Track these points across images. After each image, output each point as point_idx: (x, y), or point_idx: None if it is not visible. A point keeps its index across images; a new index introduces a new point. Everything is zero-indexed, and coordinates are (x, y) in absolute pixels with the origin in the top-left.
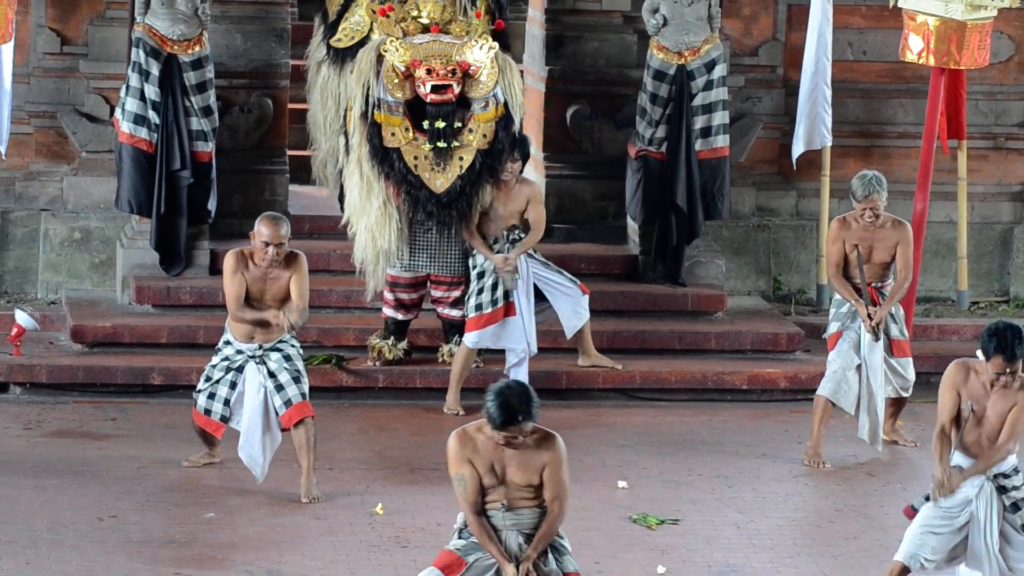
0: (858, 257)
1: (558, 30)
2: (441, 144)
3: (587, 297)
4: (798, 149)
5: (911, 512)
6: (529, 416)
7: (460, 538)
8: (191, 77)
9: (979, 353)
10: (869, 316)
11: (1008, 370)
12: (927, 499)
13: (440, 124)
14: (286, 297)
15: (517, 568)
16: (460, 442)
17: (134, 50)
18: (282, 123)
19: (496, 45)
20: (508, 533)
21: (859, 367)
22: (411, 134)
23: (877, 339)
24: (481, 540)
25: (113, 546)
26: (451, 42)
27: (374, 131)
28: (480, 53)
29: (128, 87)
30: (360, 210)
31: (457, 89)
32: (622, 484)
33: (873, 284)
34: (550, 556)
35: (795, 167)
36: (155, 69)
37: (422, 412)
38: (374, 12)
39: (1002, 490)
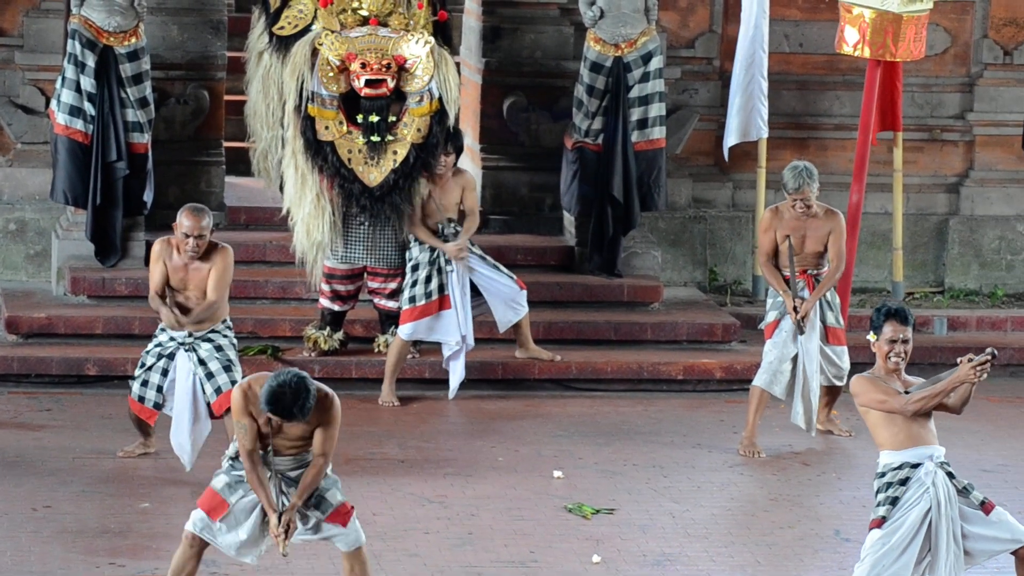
0: (789, 248)
1: (495, 22)
2: (375, 138)
3: (524, 292)
4: (730, 141)
5: (880, 522)
6: (294, 418)
7: (227, 472)
8: (127, 68)
9: (870, 336)
10: (795, 309)
11: (902, 337)
12: (892, 503)
13: (374, 118)
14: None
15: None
16: (243, 397)
17: (70, 41)
18: (218, 115)
19: (432, 40)
20: (271, 477)
21: (795, 357)
22: (345, 127)
23: (802, 332)
24: (253, 485)
25: (48, 536)
26: (387, 36)
27: (308, 124)
28: (416, 47)
29: (64, 78)
30: (296, 202)
31: (392, 83)
32: (557, 474)
33: (808, 271)
34: (309, 511)
35: (727, 159)
36: (91, 60)
37: (357, 403)
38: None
39: (950, 476)
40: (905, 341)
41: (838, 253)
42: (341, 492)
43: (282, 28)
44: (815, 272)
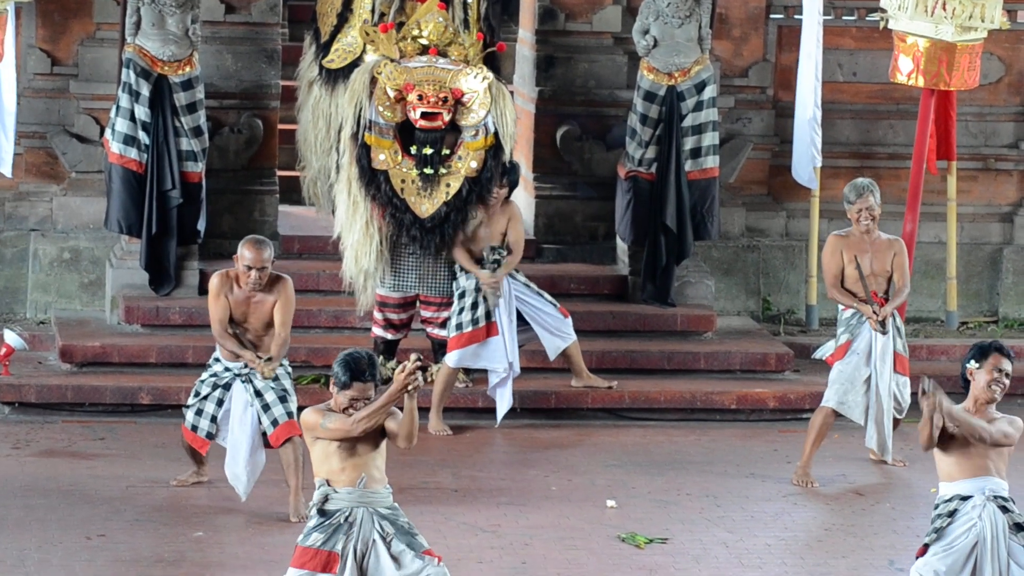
0: (858, 267)
1: (548, 51)
2: (428, 170)
3: (569, 320)
4: (805, 170)
5: (923, 551)
6: (372, 378)
7: (319, 528)
8: (181, 98)
9: (972, 364)
10: (874, 313)
11: (1006, 370)
12: (936, 533)
13: (428, 150)
14: (270, 321)
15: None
16: (315, 413)
17: (124, 71)
18: (272, 144)
19: (491, 76)
20: (363, 512)
21: (867, 380)
22: (400, 157)
23: (886, 332)
24: (383, 406)
25: (102, 565)
26: (446, 68)
27: (363, 152)
28: (474, 82)
29: (118, 107)
30: (347, 228)
31: (447, 117)
32: (611, 503)
33: (879, 295)
34: (400, 540)
35: (816, 184)
36: (145, 90)
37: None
38: (367, 34)
39: (1004, 510)
40: (1008, 375)
41: (904, 273)
42: (425, 542)
43: (332, 61)
44: (884, 296)
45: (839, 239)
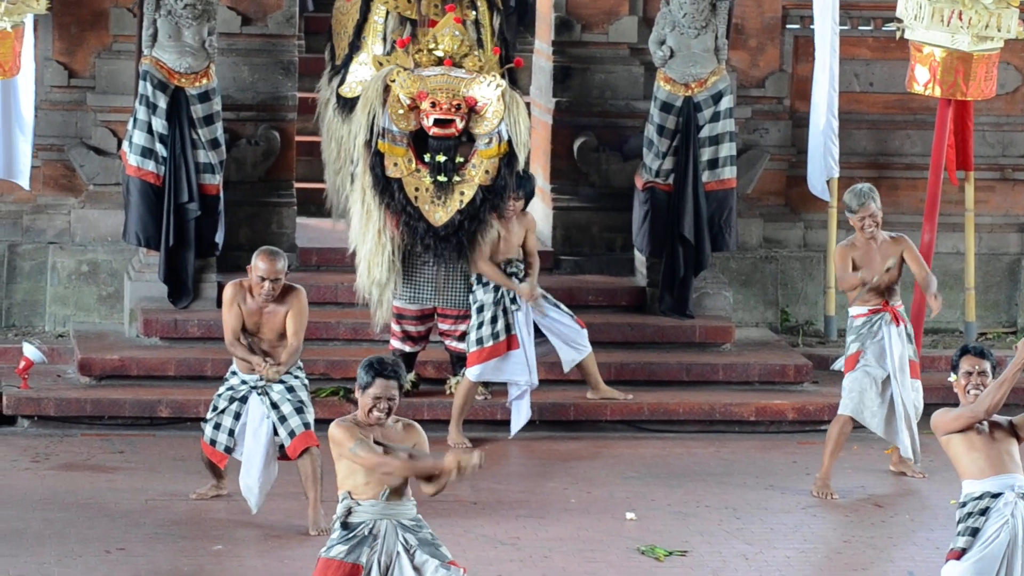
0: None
1: (565, 62)
2: (442, 178)
3: (585, 332)
4: (820, 181)
5: (959, 554)
6: (396, 377)
7: (342, 540)
8: (198, 110)
9: (951, 377)
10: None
11: (978, 368)
12: (972, 534)
13: (441, 158)
14: (283, 332)
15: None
16: (345, 429)
17: (141, 83)
18: (289, 155)
19: (504, 83)
20: (387, 524)
21: (884, 386)
22: (413, 165)
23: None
24: (406, 463)
25: None
26: (460, 77)
27: (377, 160)
28: (488, 90)
29: (135, 120)
30: (360, 239)
31: (460, 124)
32: (630, 515)
33: (890, 303)
34: (423, 551)
35: (836, 198)
36: (162, 102)
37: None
38: (380, 64)
39: None
40: (982, 373)
41: (922, 263)
42: (448, 553)
43: (347, 90)
44: (897, 303)
45: (847, 248)
